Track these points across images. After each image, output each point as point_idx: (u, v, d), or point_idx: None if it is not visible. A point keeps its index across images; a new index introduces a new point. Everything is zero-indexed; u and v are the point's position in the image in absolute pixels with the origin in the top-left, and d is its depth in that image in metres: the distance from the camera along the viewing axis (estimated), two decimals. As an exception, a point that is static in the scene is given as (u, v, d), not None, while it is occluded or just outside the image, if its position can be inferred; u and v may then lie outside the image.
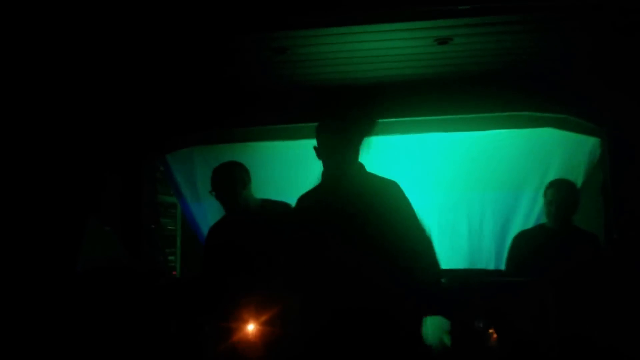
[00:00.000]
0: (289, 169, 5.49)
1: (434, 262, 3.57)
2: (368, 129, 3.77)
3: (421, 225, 3.56)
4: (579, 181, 5.25)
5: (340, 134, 3.59)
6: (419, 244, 3.52)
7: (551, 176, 5.12)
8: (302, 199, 3.81)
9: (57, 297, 4.21)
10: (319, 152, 3.67)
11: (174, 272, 6.22)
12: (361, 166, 3.66)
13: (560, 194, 4.64)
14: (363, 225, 3.47)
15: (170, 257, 6.21)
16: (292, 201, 4.89)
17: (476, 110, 5.20)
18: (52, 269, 4.49)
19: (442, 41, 4.18)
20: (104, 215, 5.13)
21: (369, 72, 4.83)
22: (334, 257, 3.46)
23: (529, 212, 5.56)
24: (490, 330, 3.96)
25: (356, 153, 3.63)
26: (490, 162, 5.63)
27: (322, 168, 3.96)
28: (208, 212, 5.82)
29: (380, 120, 3.87)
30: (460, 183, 5.61)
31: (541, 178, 5.31)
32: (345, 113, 3.76)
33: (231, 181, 4.42)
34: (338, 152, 3.59)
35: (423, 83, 5.01)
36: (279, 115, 5.27)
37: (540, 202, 4.97)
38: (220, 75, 4.94)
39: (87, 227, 4.72)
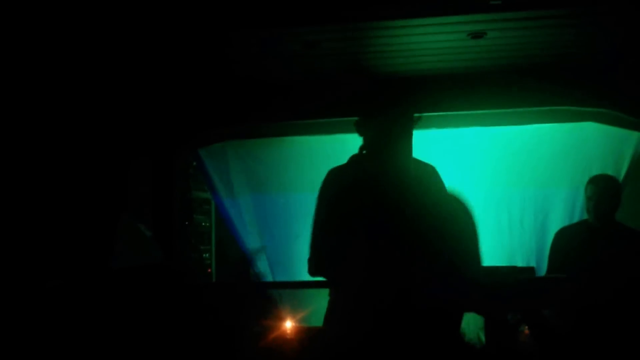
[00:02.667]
0: (321, 163, 5.43)
1: (475, 251, 3.41)
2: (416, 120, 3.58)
3: (464, 214, 3.41)
4: (622, 176, 5.15)
5: (402, 125, 3.45)
6: (461, 231, 3.37)
7: (593, 171, 4.95)
8: (337, 173, 3.56)
9: (91, 296, 4.25)
10: (372, 139, 3.48)
11: (209, 270, 6.19)
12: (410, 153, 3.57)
13: (599, 190, 4.49)
14: (407, 208, 3.34)
15: (205, 255, 6.18)
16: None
17: (516, 105, 5.11)
18: (85, 266, 4.51)
19: (476, 35, 4.14)
20: (135, 212, 5.11)
21: (402, 67, 4.79)
22: (374, 241, 3.33)
23: (571, 209, 5.45)
24: (524, 328, 3.92)
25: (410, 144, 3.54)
26: (531, 157, 5.54)
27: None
28: (242, 208, 5.83)
29: (417, 115, 3.80)
30: (500, 178, 5.53)
31: (583, 173, 5.15)
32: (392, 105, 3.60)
33: None
34: (397, 142, 3.44)
35: (460, 77, 4.96)
36: (310, 110, 5.23)
37: (582, 198, 4.84)
38: (250, 69, 4.94)
39: (119, 224, 4.72)
